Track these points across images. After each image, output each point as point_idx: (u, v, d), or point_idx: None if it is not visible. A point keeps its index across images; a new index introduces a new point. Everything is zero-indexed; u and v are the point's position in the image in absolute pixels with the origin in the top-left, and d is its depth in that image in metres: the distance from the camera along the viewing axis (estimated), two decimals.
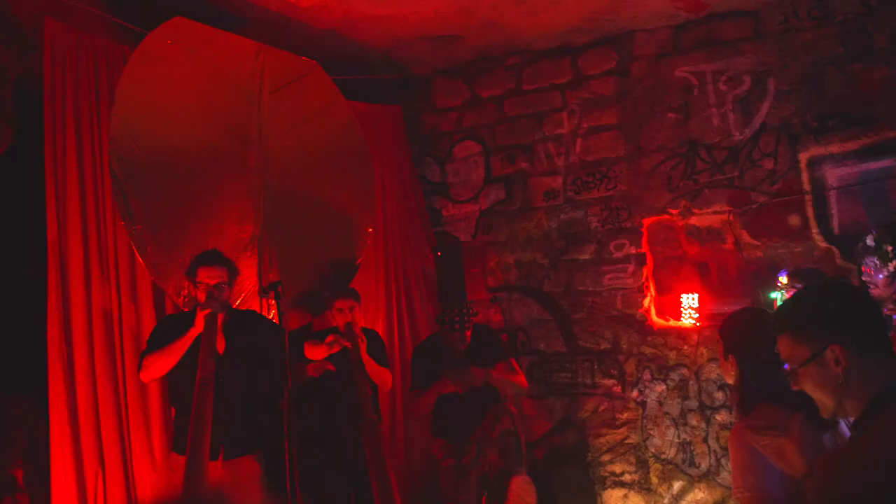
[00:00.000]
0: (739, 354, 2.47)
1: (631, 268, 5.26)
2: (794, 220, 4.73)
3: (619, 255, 5.30)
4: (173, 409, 3.89)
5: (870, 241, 3.93)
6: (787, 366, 1.77)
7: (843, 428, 2.20)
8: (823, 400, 1.73)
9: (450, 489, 4.38)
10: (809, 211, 4.68)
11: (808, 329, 1.72)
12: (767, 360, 2.36)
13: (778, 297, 4.26)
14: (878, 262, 3.87)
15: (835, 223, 4.64)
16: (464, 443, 4.41)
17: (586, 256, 5.41)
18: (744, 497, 2.26)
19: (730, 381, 2.58)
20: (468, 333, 4.47)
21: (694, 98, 5.01)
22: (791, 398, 2.31)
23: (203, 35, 4.27)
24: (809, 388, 1.75)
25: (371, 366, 4.21)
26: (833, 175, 4.62)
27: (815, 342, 1.69)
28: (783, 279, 4.32)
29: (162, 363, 3.58)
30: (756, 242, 4.85)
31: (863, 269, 4.00)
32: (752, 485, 2.25)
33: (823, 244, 4.63)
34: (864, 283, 3.98)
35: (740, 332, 2.50)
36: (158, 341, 3.64)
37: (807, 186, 4.67)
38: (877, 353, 1.66)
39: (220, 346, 3.63)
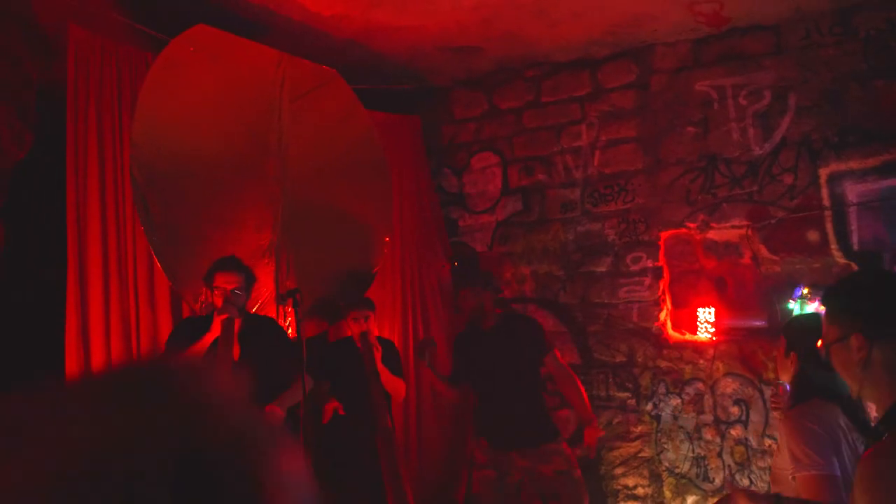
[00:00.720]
0: (801, 353, 2.59)
1: (647, 281, 5.24)
2: (813, 236, 4.70)
3: (635, 268, 5.28)
4: None
5: None
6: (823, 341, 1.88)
7: None
8: (847, 380, 1.83)
9: (485, 499, 4.30)
10: (829, 227, 4.65)
11: (840, 313, 1.82)
12: (825, 362, 2.43)
13: (797, 307, 4.24)
14: None
15: (854, 239, 4.60)
16: (507, 457, 4.29)
17: (603, 269, 5.40)
18: (808, 475, 2.29)
19: (785, 377, 2.73)
20: (487, 296, 4.38)
21: (714, 112, 4.99)
22: (841, 399, 2.42)
23: (225, 43, 4.30)
24: (837, 366, 1.85)
25: (385, 375, 4.21)
26: (853, 191, 4.59)
27: (844, 327, 1.78)
28: (804, 290, 4.31)
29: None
30: (774, 258, 4.82)
31: None
32: (817, 462, 2.28)
33: (843, 260, 4.59)
34: None
35: (806, 333, 2.58)
36: (175, 346, 3.66)
37: (826, 202, 4.65)
38: None
39: (236, 352, 3.65)
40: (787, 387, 2.77)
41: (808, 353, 2.52)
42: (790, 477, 2.35)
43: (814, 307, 4.18)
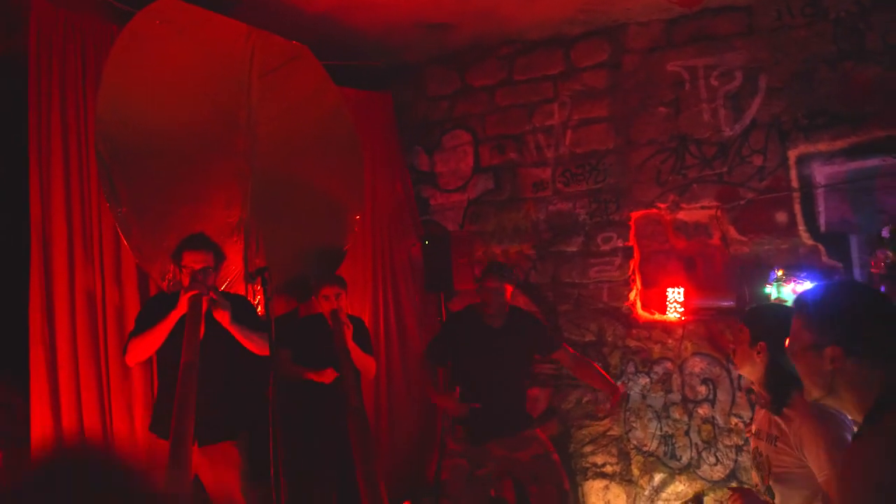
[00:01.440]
0: (772, 344, 2.54)
1: (618, 261, 5.27)
2: (781, 217, 4.74)
3: (606, 247, 5.30)
4: (156, 391, 3.88)
5: (885, 233, 3.95)
6: (792, 344, 1.88)
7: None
8: (809, 386, 1.84)
9: (454, 488, 4.26)
10: (797, 208, 4.69)
11: (817, 322, 1.81)
12: None
13: (773, 291, 4.27)
14: (891, 255, 3.88)
15: (821, 221, 4.65)
16: (483, 448, 4.28)
17: (573, 248, 5.41)
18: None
19: (745, 369, 2.70)
20: (507, 287, 4.33)
21: (685, 93, 5.00)
22: None
23: (193, 16, 4.21)
24: (801, 370, 1.85)
25: (356, 353, 4.20)
26: (821, 173, 4.64)
27: (819, 336, 1.78)
28: (778, 273, 4.33)
29: (145, 346, 3.57)
30: (743, 238, 4.86)
31: (871, 261, 4.02)
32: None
33: (810, 241, 4.64)
34: (871, 275, 4.02)
35: (774, 321, 2.56)
36: (143, 324, 3.62)
37: (795, 184, 4.68)
38: (879, 357, 1.73)
39: (202, 331, 3.60)
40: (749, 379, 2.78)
41: (780, 341, 2.48)
42: (819, 480, 2.34)
43: (789, 289, 4.19)
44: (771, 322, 2.60)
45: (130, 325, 3.79)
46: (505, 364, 4.34)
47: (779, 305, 2.92)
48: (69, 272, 3.79)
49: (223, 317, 3.67)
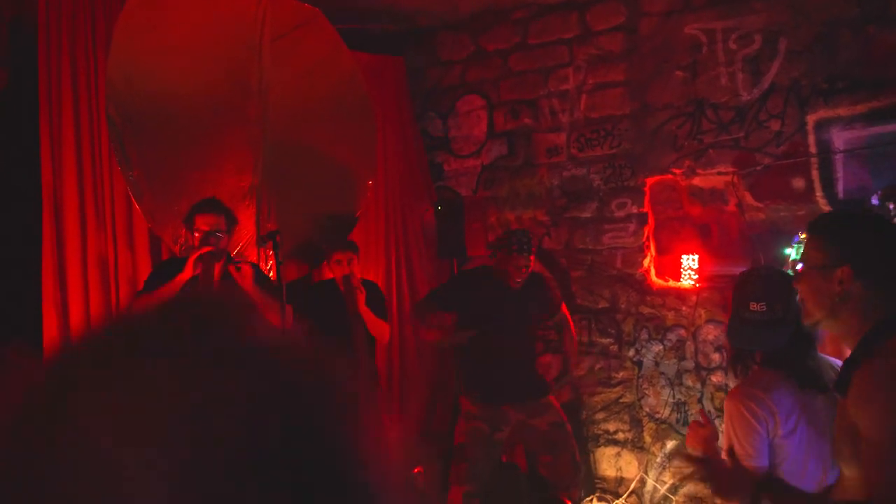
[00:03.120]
0: (732, 310, 2.47)
1: (632, 227, 5.23)
2: (798, 183, 4.67)
3: (620, 213, 5.26)
4: None
5: (874, 200, 3.88)
6: (800, 265, 1.87)
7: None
8: (811, 308, 1.83)
9: (473, 452, 4.23)
10: (815, 174, 4.61)
11: (831, 242, 1.80)
12: (751, 318, 2.36)
13: (794, 252, 4.18)
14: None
15: (839, 187, 4.57)
16: (500, 411, 4.27)
17: (587, 214, 5.37)
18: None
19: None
20: (532, 259, 4.24)
21: (703, 56, 4.91)
22: (777, 361, 2.35)
23: None
24: (804, 291, 1.85)
25: (369, 317, 4.20)
26: (840, 138, 4.55)
27: (831, 256, 1.77)
28: (802, 236, 4.20)
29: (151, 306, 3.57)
30: (759, 205, 4.80)
31: None
32: (739, 453, 2.26)
33: (827, 208, 4.57)
34: None
35: (735, 288, 2.49)
36: (151, 285, 3.62)
37: (813, 149, 4.61)
38: (888, 282, 1.74)
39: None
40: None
41: (735, 308, 2.43)
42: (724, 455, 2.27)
43: None
44: (735, 290, 2.48)
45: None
46: (523, 325, 4.34)
47: (755, 271, 2.67)
48: (81, 236, 3.81)
49: (246, 279, 3.65)
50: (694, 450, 2.28)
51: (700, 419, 2.33)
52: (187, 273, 3.50)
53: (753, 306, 2.37)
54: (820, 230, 1.86)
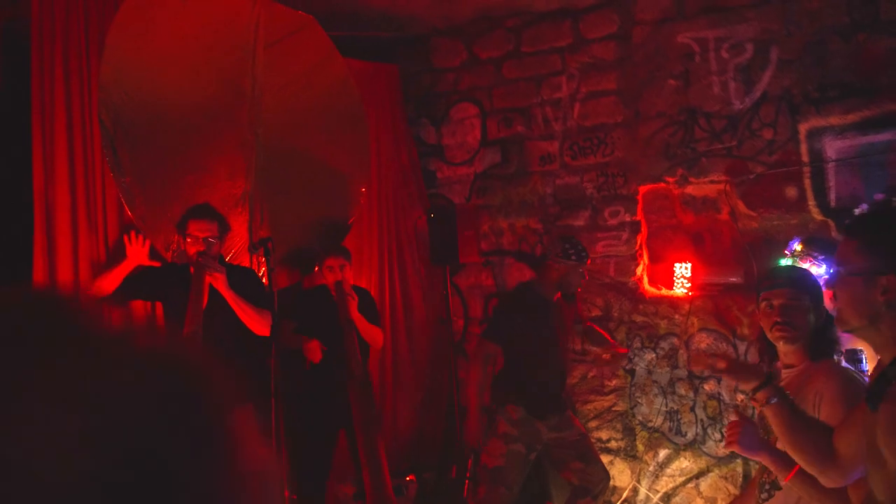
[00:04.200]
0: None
1: (625, 235, 5.23)
2: (791, 192, 4.68)
3: (613, 221, 5.26)
4: None
5: (793, 245, 3.95)
6: (839, 267, 1.78)
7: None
8: (848, 315, 1.74)
9: (512, 476, 4.14)
10: (807, 183, 4.63)
11: (877, 248, 1.70)
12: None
13: (789, 262, 4.16)
14: None
15: (832, 196, 4.59)
16: (534, 428, 4.20)
17: (580, 223, 5.37)
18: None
19: (752, 330, 2.63)
20: (588, 263, 4.28)
21: (695, 65, 4.93)
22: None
23: None
24: (842, 298, 1.76)
25: (362, 323, 4.19)
26: (832, 147, 4.57)
27: (876, 262, 1.68)
28: (797, 247, 4.19)
29: (104, 282, 3.65)
30: (752, 213, 4.81)
31: None
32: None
33: (820, 217, 4.59)
34: None
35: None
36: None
37: (805, 158, 4.62)
38: None
39: (204, 301, 3.60)
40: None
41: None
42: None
43: (806, 266, 4.08)
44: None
45: None
46: (563, 336, 4.36)
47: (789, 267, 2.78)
48: (73, 242, 3.79)
49: (217, 280, 3.64)
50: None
51: (735, 418, 2.34)
52: (132, 261, 3.62)
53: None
54: (863, 232, 1.76)
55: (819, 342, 2.42)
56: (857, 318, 1.71)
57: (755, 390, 2.10)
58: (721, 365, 2.19)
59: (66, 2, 3.82)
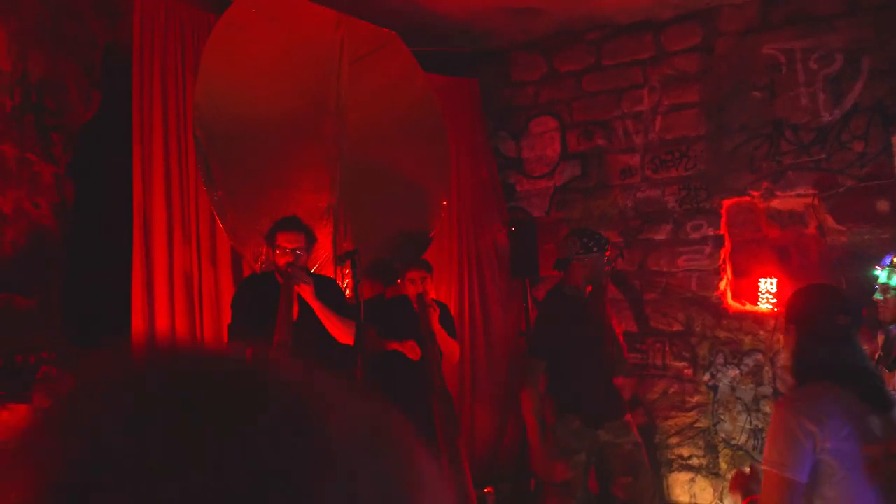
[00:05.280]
0: (800, 325, 2.39)
1: (708, 249, 5.15)
2: (882, 206, 4.55)
3: (695, 235, 5.19)
4: None
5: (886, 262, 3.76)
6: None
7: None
8: None
9: (579, 486, 4.07)
10: None
11: None
12: (826, 335, 2.32)
13: (883, 275, 3.98)
14: None
15: None
16: (593, 435, 4.08)
17: (662, 236, 5.31)
18: (766, 472, 2.21)
19: (785, 353, 2.55)
20: (609, 254, 4.18)
21: (781, 77, 4.84)
22: (844, 376, 2.28)
23: (285, 4, 4.32)
24: (891, 318, 1.74)
25: (442, 336, 4.23)
26: None
27: None
28: (894, 258, 4.01)
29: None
30: (841, 228, 4.68)
31: None
32: (776, 461, 2.18)
33: None
34: None
35: (804, 304, 2.44)
36: (239, 310, 3.70)
37: None
38: None
39: (295, 312, 3.68)
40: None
41: (807, 324, 2.37)
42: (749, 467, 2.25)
43: None
44: (801, 306, 2.42)
45: (224, 304, 3.92)
46: (603, 336, 4.24)
47: (820, 287, 2.69)
48: (168, 253, 3.94)
49: (304, 290, 3.70)
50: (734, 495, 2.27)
51: (746, 470, 2.31)
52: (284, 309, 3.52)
53: (841, 320, 2.33)
54: None
55: None
56: None
57: None
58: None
59: (164, 24, 3.99)
